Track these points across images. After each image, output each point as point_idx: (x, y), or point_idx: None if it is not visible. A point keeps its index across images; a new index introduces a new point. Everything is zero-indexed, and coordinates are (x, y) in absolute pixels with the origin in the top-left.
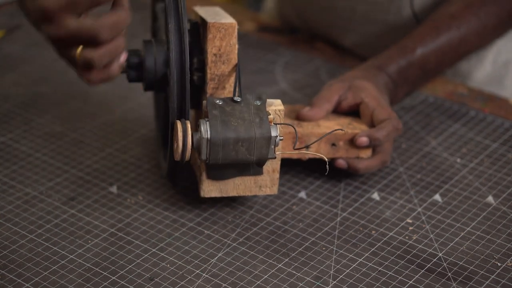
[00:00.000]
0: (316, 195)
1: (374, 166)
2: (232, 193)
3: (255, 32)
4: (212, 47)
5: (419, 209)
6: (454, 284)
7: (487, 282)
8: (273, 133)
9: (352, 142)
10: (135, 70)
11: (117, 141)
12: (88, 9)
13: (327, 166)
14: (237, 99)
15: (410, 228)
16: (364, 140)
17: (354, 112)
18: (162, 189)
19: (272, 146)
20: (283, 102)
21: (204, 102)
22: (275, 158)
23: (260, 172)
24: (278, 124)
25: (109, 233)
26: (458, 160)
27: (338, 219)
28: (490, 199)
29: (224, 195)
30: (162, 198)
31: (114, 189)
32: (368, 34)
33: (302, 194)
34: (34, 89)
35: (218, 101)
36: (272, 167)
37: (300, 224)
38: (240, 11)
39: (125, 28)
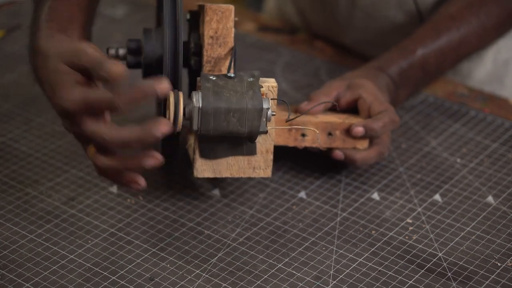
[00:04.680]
0: (316, 195)
1: (371, 158)
2: (226, 173)
3: (255, 32)
4: (208, 30)
5: (419, 209)
6: (454, 284)
7: (487, 282)
8: (265, 105)
9: (348, 132)
10: (134, 55)
11: None
12: (105, 113)
13: (319, 140)
14: (231, 75)
15: (410, 228)
16: (360, 130)
17: (352, 110)
18: (162, 189)
19: (264, 119)
20: (283, 102)
21: (198, 78)
22: (266, 132)
23: (253, 152)
24: (271, 99)
25: (109, 233)
26: (458, 160)
27: (338, 219)
28: (490, 199)
29: (218, 175)
30: (162, 198)
31: (114, 189)
32: (369, 31)
33: (302, 194)
34: (34, 89)
35: (211, 76)
36: (265, 147)
37: (300, 224)
38: (240, 11)
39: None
